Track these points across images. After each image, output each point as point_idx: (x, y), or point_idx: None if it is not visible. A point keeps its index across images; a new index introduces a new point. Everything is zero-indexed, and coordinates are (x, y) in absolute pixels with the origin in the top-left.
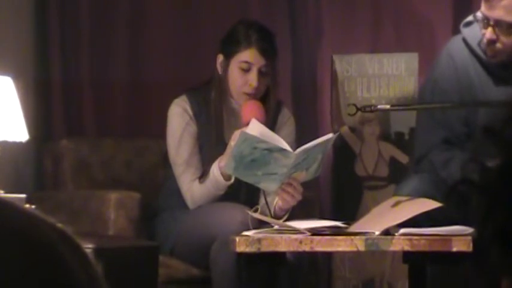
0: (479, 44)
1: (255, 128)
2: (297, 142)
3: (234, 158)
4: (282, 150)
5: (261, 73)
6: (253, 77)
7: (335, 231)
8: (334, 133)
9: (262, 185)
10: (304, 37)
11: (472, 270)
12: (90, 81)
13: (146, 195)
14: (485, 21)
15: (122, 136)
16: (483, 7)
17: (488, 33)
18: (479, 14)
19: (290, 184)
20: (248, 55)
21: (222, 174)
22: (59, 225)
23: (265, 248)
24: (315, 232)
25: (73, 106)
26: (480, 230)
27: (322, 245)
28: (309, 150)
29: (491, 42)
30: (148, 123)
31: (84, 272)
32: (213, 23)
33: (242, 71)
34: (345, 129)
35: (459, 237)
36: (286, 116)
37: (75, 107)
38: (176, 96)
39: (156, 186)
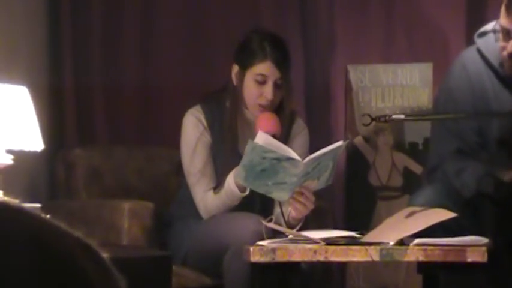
0: (500, 61)
1: (262, 139)
2: (311, 152)
3: (244, 168)
4: (290, 159)
5: (276, 85)
6: (268, 90)
7: (349, 241)
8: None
9: (273, 195)
10: (316, 47)
11: (486, 281)
12: (103, 90)
13: (158, 203)
14: (506, 33)
15: (134, 144)
16: (504, 20)
17: (510, 46)
18: (497, 27)
19: (301, 193)
20: (264, 68)
21: (237, 185)
22: (83, 237)
23: (280, 257)
24: (329, 242)
25: (85, 114)
26: (494, 240)
27: (336, 255)
28: (319, 159)
29: None
30: (160, 131)
31: (106, 285)
32: (225, 30)
33: (257, 83)
34: (359, 139)
35: (474, 247)
36: (300, 127)
37: (88, 115)
38: (188, 103)
39: (168, 194)
